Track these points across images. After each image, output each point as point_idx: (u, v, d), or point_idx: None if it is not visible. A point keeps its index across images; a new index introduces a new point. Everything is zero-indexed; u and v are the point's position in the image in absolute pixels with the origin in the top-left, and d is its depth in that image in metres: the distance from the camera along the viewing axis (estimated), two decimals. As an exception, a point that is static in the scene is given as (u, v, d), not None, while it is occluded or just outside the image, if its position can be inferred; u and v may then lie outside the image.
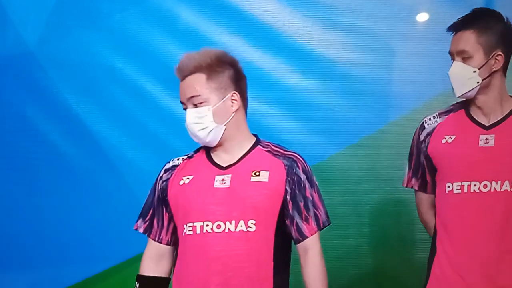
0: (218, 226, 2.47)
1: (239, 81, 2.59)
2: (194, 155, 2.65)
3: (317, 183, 2.60)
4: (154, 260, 2.64)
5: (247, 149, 2.58)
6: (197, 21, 3.73)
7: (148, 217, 2.66)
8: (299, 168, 2.55)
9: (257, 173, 2.52)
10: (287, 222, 2.54)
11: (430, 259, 2.76)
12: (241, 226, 2.47)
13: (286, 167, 2.54)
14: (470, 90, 2.63)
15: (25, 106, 3.79)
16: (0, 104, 3.81)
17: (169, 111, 3.68)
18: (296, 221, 2.53)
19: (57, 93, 3.76)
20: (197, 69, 2.52)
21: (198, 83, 2.52)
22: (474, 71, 2.61)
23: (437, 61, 3.46)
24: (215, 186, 2.51)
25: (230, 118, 2.55)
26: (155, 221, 2.65)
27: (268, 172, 2.52)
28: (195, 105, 2.52)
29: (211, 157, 2.58)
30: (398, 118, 3.60)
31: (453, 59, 2.67)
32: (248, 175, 2.52)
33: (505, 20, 2.68)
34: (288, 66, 3.67)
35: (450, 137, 2.70)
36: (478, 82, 2.62)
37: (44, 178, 3.78)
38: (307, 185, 2.55)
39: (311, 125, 3.64)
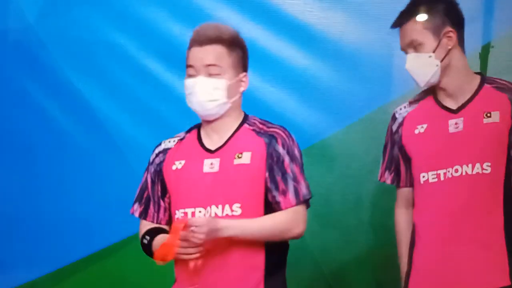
0: (210, 212, 2.48)
1: (247, 65, 2.61)
2: (186, 136, 2.64)
3: (299, 157, 2.58)
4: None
5: (234, 129, 2.58)
6: (198, -3, 3.73)
7: (143, 201, 2.64)
8: (278, 143, 2.54)
9: (240, 155, 2.52)
10: (269, 197, 2.53)
11: (410, 253, 2.77)
12: (227, 210, 2.47)
13: (266, 145, 2.53)
14: (432, 76, 2.62)
15: (25, 81, 3.77)
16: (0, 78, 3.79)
17: (170, 88, 3.66)
18: (273, 194, 2.52)
19: (58, 68, 3.74)
20: (219, 40, 2.51)
21: (219, 54, 2.51)
22: (430, 56, 2.59)
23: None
24: (204, 171, 2.52)
25: (236, 97, 2.56)
26: (151, 204, 2.63)
27: (250, 153, 2.52)
28: (211, 75, 2.50)
29: (201, 139, 2.58)
30: (400, 96, 3.52)
31: (406, 53, 2.65)
32: (232, 158, 2.52)
33: None
34: (289, 44, 3.65)
35: (422, 127, 2.70)
36: (437, 65, 2.60)
37: (43, 154, 3.77)
38: (287, 159, 2.54)
39: (312, 103, 3.62)
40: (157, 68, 3.71)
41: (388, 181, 2.84)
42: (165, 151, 2.62)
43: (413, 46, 2.62)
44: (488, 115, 2.58)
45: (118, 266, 3.77)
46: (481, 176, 2.58)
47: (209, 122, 2.57)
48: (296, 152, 2.57)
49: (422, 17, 2.61)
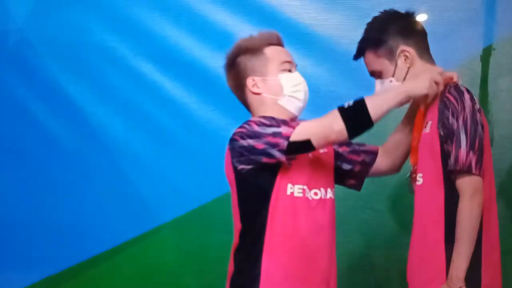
0: (316, 194, 2.53)
1: None
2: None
3: None
4: None
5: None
6: (191, -1, 3.72)
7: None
8: None
9: None
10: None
11: None
12: (330, 193, 2.58)
13: None
14: None
15: (13, 85, 3.74)
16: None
17: (162, 90, 3.66)
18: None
19: (47, 71, 3.72)
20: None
21: None
22: (391, 81, 2.61)
23: (438, 41, 3.40)
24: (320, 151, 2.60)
25: None
26: None
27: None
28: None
29: None
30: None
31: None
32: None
33: (397, 14, 2.66)
34: (286, 46, 3.60)
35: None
36: None
37: (32, 159, 3.74)
38: None
39: (311, 107, 3.55)
40: (149, 71, 3.69)
41: None
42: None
43: (376, 75, 2.66)
44: (425, 125, 2.56)
45: (112, 272, 3.73)
46: (418, 188, 2.57)
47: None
48: None
49: (374, 46, 2.65)
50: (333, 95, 3.58)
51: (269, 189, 2.50)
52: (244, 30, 3.56)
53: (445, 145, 2.47)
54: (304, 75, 3.57)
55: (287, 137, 2.43)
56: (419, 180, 2.55)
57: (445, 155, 2.47)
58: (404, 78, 2.59)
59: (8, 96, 3.74)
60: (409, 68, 2.59)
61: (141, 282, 3.66)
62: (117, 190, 3.67)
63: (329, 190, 2.57)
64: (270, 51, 2.62)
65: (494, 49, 3.57)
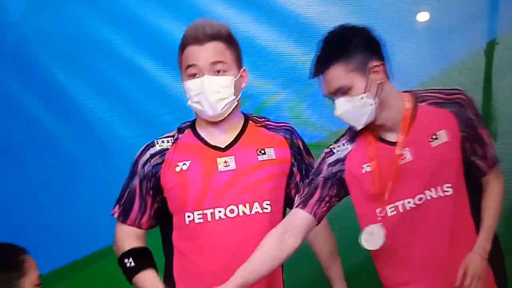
0: (232, 211, 2.43)
1: (242, 61, 2.55)
2: (180, 136, 2.54)
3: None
4: (134, 240, 2.56)
5: (241, 126, 2.52)
6: (189, -10, 3.71)
7: (126, 203, 2.57)
8: (296, 137, 2.57)
9: (262, 151, 2.49)
10: (289, 190, 2.54)
11: None
12: (256, 208, 2.45)
13: (287, 140, 2.54)
14: (368, 116, 2.43)
15: (9, 80, 3.72)
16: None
17: (159, 85, 3.64)
18: (293, 188, 2.55)
19: (43, 66, 3.70)
20: (218, 37, 2.44)
21: (222, 50, 2.44)
22: (362, 98, 2.41)
23: (442, 36, 3.52)
24: (219, 170, 2.45)
25: (240, 94, 2.49)
26: (135, 207, 2.55)
27: (272, 148, 2.51)
28: (217, 72, 2.43)
29: (203, 138, 2.50)
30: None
31: (333, 99, 2.46)
32: (253, 155, 2.48)
33: (361, 29, 2.48)
34: (286, 39, 3.63)
35: (368, 165, 2.50)
36: (371, 105, 2.41)
37: (28, 155, 3.72)
38: (305, 153, 2.58)
39: (311, 101, 3.58)
40: (147, 66, 3.67)
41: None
42: (162, 152, 2.51)
43: (341, 91, 2.42)
44: (434, 137, 2.46)
45: (107, 271, 3.65)
46: (444, 199, 2.45)
47: (213, 122, 2.49)
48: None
49: (345, 59, 2.41)
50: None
51: (176, 221, 2.50)
52: (242, 22, 3.59)
53: (467, 144, 2.44)
54: (304, 68, 3.58)
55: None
56: (447, 190, 2.44)
57: (466, 157, 2.45)
58: (376, 95, 2.41)
59: (2, 92, 3.72)
60: (379, 84, 2.41)
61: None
62: (112, 188, 3.61)
63: (256, 204, 2.43)
64: (186, 52, 2.44)
65: (497, 43, 3.60)
